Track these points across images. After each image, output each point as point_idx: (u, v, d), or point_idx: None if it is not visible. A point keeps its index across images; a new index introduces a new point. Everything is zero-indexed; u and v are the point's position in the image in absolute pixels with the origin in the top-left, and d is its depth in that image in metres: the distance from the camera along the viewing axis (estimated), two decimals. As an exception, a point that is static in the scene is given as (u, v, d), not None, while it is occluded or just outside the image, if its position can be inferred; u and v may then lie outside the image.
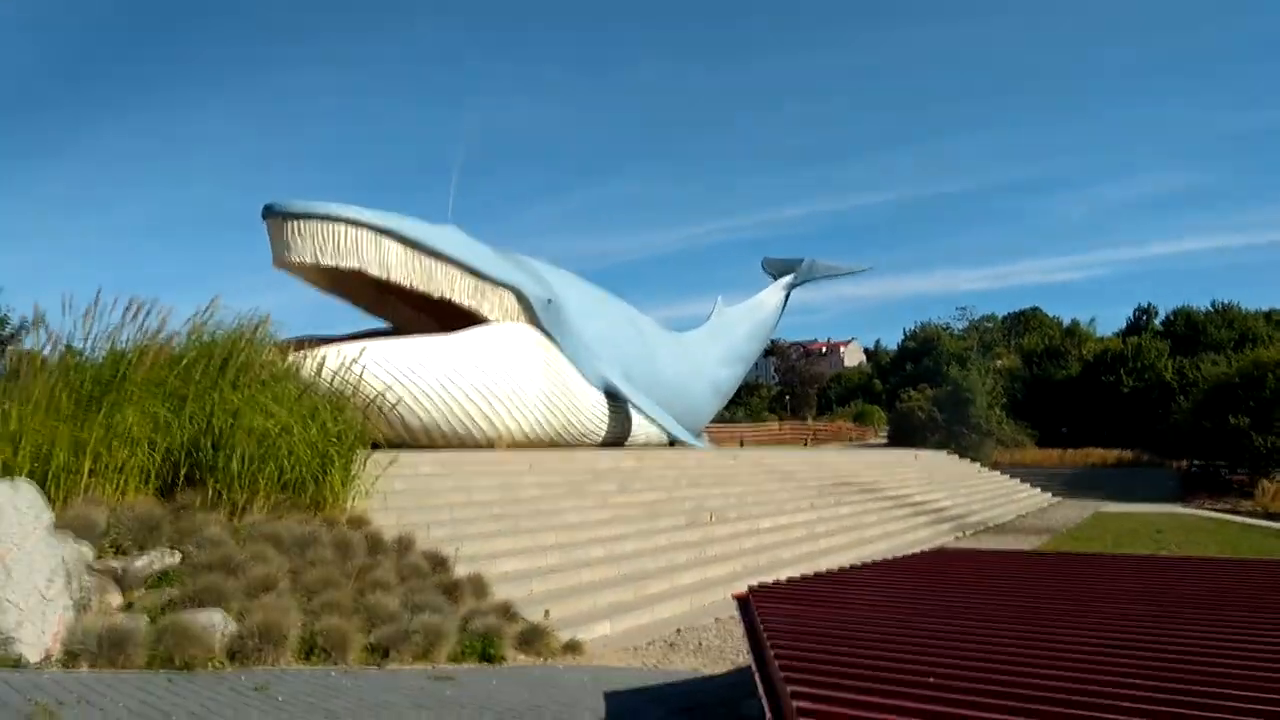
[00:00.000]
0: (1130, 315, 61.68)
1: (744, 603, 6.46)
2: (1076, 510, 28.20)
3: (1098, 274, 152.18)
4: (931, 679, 3.97)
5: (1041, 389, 49.69)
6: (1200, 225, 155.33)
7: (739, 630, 10.03)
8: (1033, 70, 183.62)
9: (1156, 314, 58.92)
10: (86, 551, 7.13)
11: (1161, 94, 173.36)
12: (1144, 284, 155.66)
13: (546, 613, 9.40)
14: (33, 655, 5.77)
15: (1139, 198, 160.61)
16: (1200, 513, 28.33)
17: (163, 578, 7.38)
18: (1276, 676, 3.81)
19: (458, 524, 11.41)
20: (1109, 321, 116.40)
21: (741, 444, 37.77)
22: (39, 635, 5.88)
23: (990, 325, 76.59)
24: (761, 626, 5.25)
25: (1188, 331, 51.95)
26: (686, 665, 8.76)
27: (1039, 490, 32.90)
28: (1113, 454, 40.36)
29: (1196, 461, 37.56)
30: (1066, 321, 71.54)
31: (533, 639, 8.59)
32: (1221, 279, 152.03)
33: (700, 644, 9.69)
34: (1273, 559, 10.95)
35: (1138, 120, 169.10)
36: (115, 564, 7.29)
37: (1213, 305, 55.06)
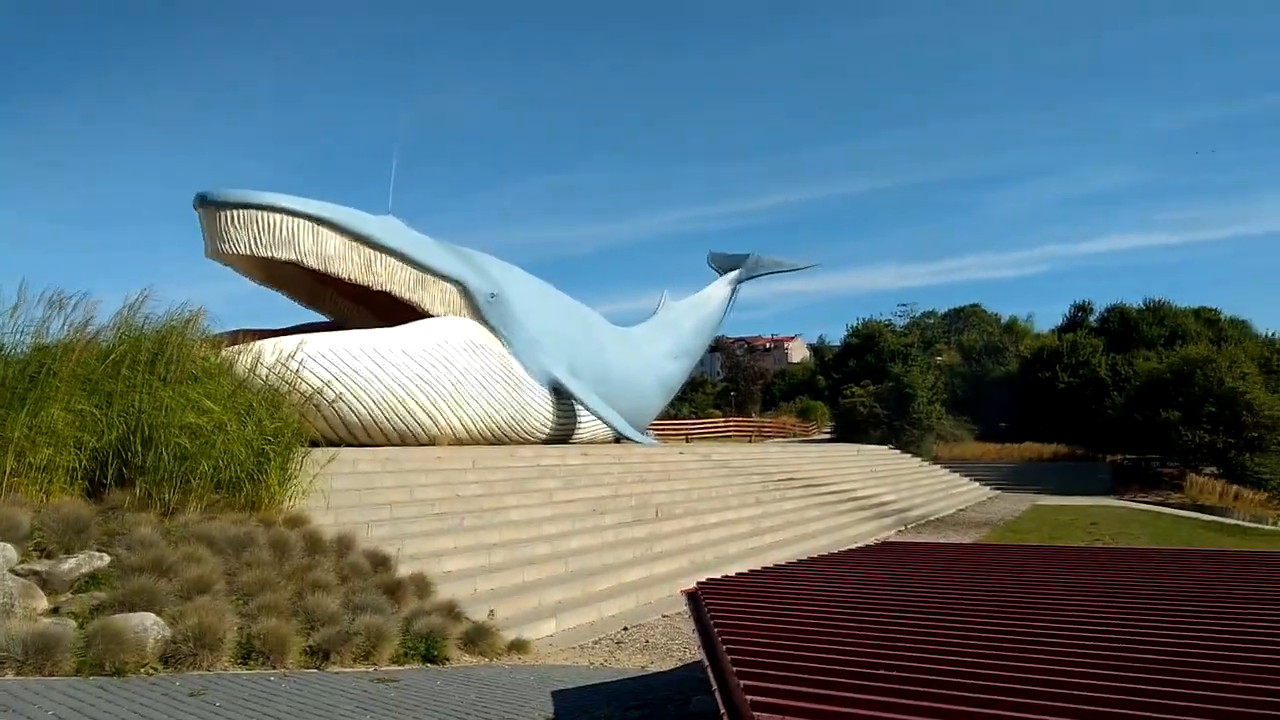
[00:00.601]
0: (1067, 312, 62.95)
1: (693, 598, 6.42)
2: (1015, 504, 28.83)
3: (1036, 271, 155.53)
4: (884, 669, 3.97)
5: (981, 385, 50.68)
6: (1135, 223, 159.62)
7: (686, 627, 10.02)
8: (974, 67, 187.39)
9: (1092, 311, 60.16)
10: (10, 554, 6.83)
11: (1100, 92, 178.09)
12: (1081, 281, 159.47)
13: (491, 612, 9.27)
14: (-50, 663, 5.50)
15: (1077, 195, 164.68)
16: (1133, 505, 29.14)
17: (91, 581, 7.09)
18: (1218, 661, 3.88)
19: (399, 523, 11.21)
20: (1047, 318, 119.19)
21: (688, 439, 37.86)
22: (-43, 642, 5.60)
23: (931, 322, 77.88)
24: (712, 621, 5.21)
25: (1122, 328, 53.23)
26: (634, 663, 8.71)
27: (978, 484, 33.59)
28: (1049, 448, 41.36)
29: (1129, 455, 38.63)
30: (1005, 318, 73.08)
31: (477, 639, 8.46)
32: (1154, 277, 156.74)
33: (647, 641, 9.65)
34: (1206, 549, 11.26)
35: (1077, 117, 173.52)
36: (40, 567, 6.99)
37: (1145, 303, 56.52)
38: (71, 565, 7.09)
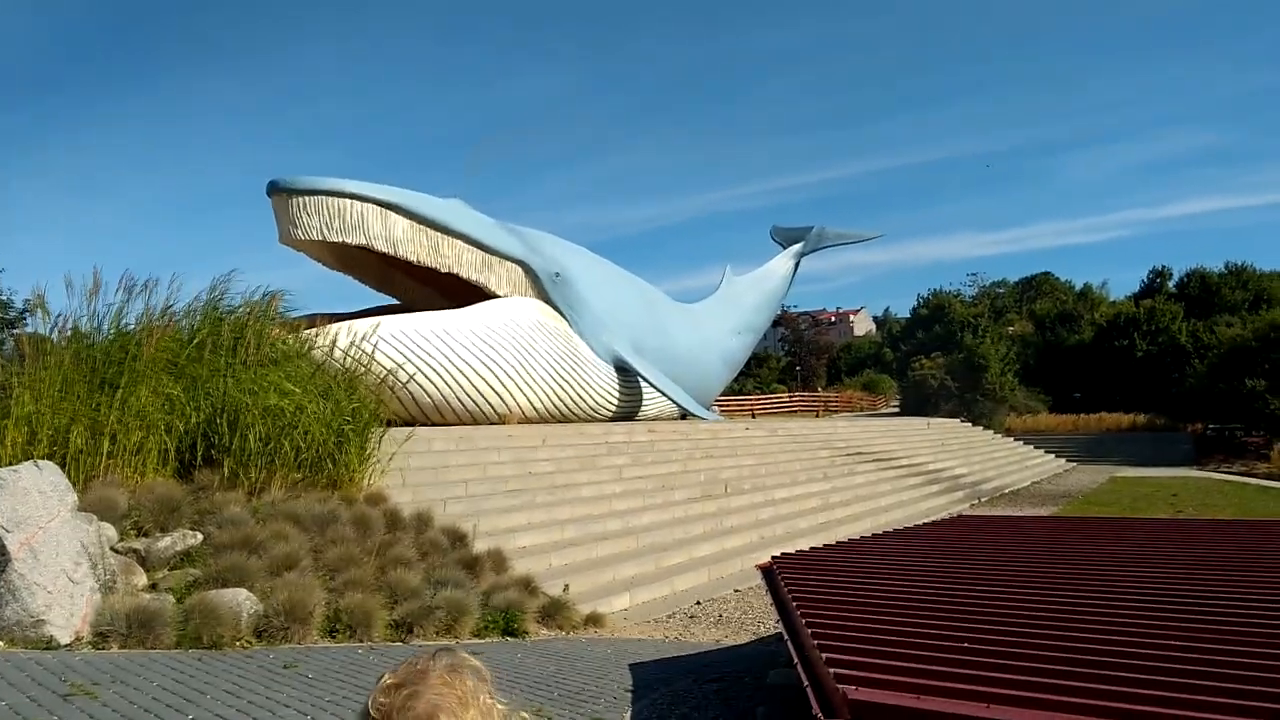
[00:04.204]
0: (1144, 278, 61.01)
1: (768, 573, 6.45)
2: (1091, 475, 28.17)
3: (1110, 237, 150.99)
4: (964, 643, 3.95)
5: (1054, 354, 49.44)
6: (1214, 186, 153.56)
7: (759, 601, 10.06)
8: (1040, 31, 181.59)
9: (1171, 276, 58.18)
10: (110, 533, 7.14)
11: (1172, 54, 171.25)
12: (1157, 246, 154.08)
13: (566, 587, 9.42)
14: (63, 637, 5.79)
15: (1151, 159, 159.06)
16: (1216, 476, 28.25)
17: (186, 558, 7.40)
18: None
19: (474, 500, 11.43)
20: (1122, 285, 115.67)
21: (753, 415, 37.74)
22: (68, 617, 5.90)
23: (1002, 291, 76.20)
24: (790, 596, 5.23)
25: (1202, 294, 51.47)
26: (708, 637, 8.78)
27: (1053, 456, 32.87)
28: (1127, 419, 40.23)
29: (1212, 425, 37.42)
30: (1079, 286, 71.15)
31: (554, 613, 8.62)
32: (1236, 240, 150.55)
33: (721, 615, 9.71)
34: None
35: (1148, 80, 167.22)
36: (138, 545, 7.31)
37: (1227, 267, 54.51)
38: (167, 543, 7.40)
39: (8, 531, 5.88)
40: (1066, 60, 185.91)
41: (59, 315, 9.16)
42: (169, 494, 8.04)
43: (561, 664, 6.80)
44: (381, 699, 1.08)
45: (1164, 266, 59.42)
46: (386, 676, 1.11)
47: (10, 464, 6.81)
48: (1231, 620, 4.17)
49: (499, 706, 1.12)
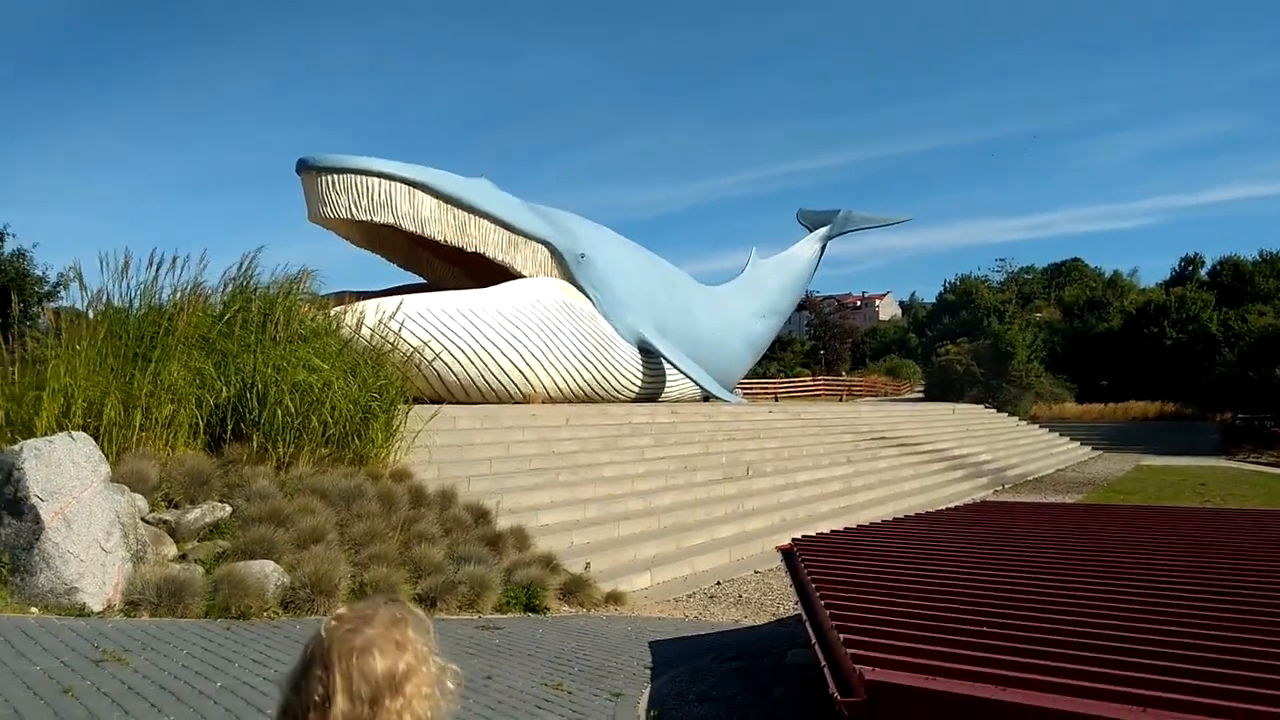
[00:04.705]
0: (1175, 266, 60.22)
1: (789, 555, 6.49)
2: (1117, 464, 27.95)
3: (1141, 223, 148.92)
4: (983, 627, 3.97)
5: (1082, 342, 48.96)
6: (1249, 172, 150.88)
7: (778, 582, 10.10)
8: (1071, 12, 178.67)
9: (1203, 264, 57.40)
10: (141, 504, 7.28)
11: (1206, 36, 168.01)
12: (1190, 233, 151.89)
13: (588, 565, 9.50)
14: (95, 605, 5.93)
15: (1184, 143, 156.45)
16: (1245, 466, 27.94)
17: (214, 530, 7.53)
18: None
19: (498, 477, 11.52)
20: (1152, 272, 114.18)
21: (776, 399, 37.69)
22: (100, 585, 6.03)
23: (1029, 277, 75.46)
24: (809, 577, 5.26)
25: (1235, 282, 50.71)
26: (728, 617, 8.83)
27: (1079, 444, 32.61)
28: (1154, 407, 39.84)
29: (1241, 415, 36.94)
30: (1108, 273, 70.30)
31: (575, 590, 8.70)
32: (1271, 227, 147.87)
33: (740, 596, 9.76)
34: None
35: (1181, 64, 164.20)
36: (168, 516, 7.45)
37: (1261, 255, 53.67)
38: (196, 515, 7.53)
39: (42, 501, 6.02)
40: (1085, 47, 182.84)
41: (98, 290, 9.30)
42: (199, 467, 8.17)
43: (582, 640, 6.88)
44: (330, 624, 1.20)
45: (1196, 254, 58.71)
46: (340, 609, 1.24)
47: (45, 435, 6.95)
48: (1248, 609, 4.16)
49: (434, 658, 1.22)
